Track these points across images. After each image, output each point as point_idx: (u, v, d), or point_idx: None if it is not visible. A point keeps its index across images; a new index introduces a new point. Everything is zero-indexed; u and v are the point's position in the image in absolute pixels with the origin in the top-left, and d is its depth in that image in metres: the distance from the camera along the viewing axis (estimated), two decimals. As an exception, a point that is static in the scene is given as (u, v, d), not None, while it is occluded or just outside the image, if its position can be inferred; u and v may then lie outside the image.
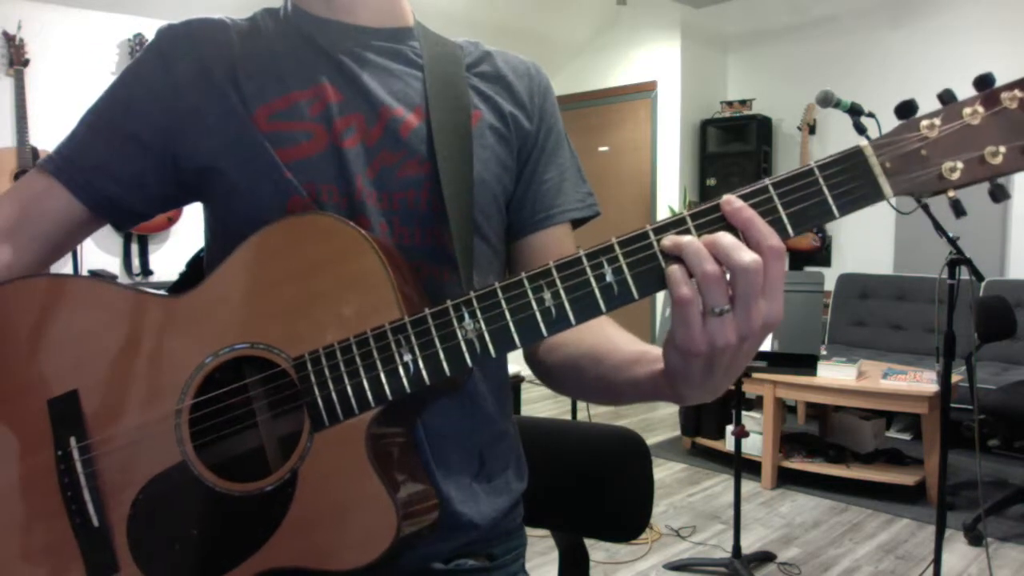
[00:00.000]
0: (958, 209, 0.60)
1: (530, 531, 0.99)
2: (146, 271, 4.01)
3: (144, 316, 0.74)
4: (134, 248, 4.01)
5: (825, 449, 3.57)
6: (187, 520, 0.71)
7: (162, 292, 0.77)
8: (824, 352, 3.73)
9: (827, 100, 2.11)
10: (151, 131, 0.81)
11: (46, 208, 0.81)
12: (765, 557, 2.81)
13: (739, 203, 0.58)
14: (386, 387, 0.66)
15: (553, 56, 5.70)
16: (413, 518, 0.69)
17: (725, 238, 0.57)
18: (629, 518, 1.05)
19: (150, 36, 0.86)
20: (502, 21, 4.99)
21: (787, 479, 3.53)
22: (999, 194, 0.59)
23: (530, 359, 0.88)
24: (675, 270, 0.57)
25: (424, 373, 0.65)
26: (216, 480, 0.70)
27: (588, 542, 1.12)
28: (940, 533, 2.18)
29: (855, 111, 2.12)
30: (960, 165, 0.57)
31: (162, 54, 0.82)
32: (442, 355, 0.64)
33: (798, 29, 5.20)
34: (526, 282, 0.62)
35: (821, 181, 0.59)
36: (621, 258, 0.60)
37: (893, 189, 0.58)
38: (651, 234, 0.60)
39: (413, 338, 0.65)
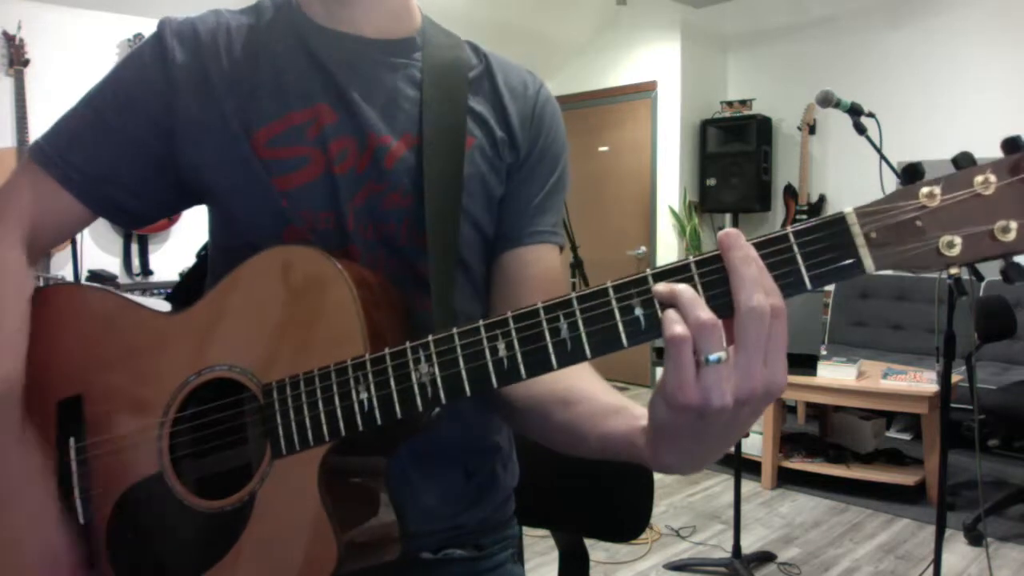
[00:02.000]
0: (959, 288, 0.55)
1: (530, 531, 0.99)
2: (146, 271, 4.01)
3: (145, 330, 0.77)
4: (134, 248, 4.00)
5: (825, 449, 3.58)
6: (157, 528, 0.74)
7: (163, 307, 0.80)
8: (824, 352, 3.73)
9: (827, 100, 2.11)
10: (156, 136, 0.80)
11: (58, 217, 0.81)
12: (765, 557, 2.81)
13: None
14: (340, 422, 0.66)
15: (553, 56, 5.70)
16: (365, 553, 0.70)
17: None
18: (629, 518, 1.05)
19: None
20: (502, 21, 4.99)
21: (787, 479, 3.53)
22: (1012, 274, 0.52)
23: (493, 394, 0.80)
24: (671, 311, 0.53)
25: (377, 412, 0.64)
26: (185, 493, 0.72)
27: (588, 542, 1.12)
28: (940, 533, 2.18)
29: (855, 111, 2.12)
30: (959, 240, 0.51)
31: (164, 54, 0.80)
32: (395, 396, 0.63)
33: (798, 29, 5.20)
34: (482, 330, 0.61)
35: (795, 248, 0.54)
36: (578, 314, 0.57)
37: (876, 263, 0.52)
38: (611, 291, 0.57)
39: (371, 376, 0.65)
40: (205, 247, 0.91)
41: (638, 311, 0.56)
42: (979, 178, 0.51)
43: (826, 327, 4.70)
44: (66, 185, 0.80)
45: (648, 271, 0.56)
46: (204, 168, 0.79)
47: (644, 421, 0.61)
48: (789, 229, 0.54)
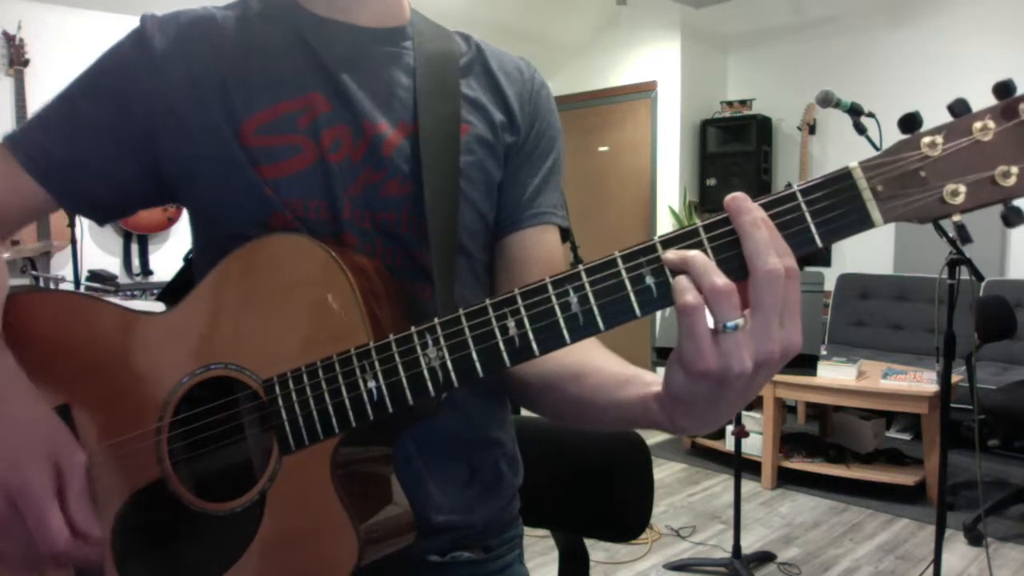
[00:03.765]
0: (963, 235, 0.55)
1: (530, 531, 0.99)
2: (146, 271, 4.02)
3: (130, 334, 0.75)
4: (134, 248, 4.01)
5: (825, 449, 3.58)
6: (165, 536, 0.72)
7: (150, 308, 0.78)
8: (824, 352, 3.74)
9: (827, 100, 2.11)
10: (133, 127, 0.78)
11: (17, 201, 0.79)
12: (765, 557, 2.81)
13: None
14: (350, 414, 0.65)
15: (553, 56, 5.70)
16: (382, 543, 0.69)
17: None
18: (629, 518, 1.05)
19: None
20: (502, 21, 4.99)
21: (787, 479, 3.53)
22: (1013, 218, 0.53)
23: (505, 374, 0.81)
24: (682, 278, 0.52)
25: (387, 400, 0.63)
26: (191, 498, 0.71)
27: (588, 542, 1.12)
28: (940, 533, 2.18)
29: (855, 111, 2.12)
30: (963, 188, 0.52)
31: (145, 44, 0.78)
32: (405, 383, 0.62)
33: (798, 29, 5.20)
34: (490, 309, 0.59)
35: (803, 207, 0.54)
36: (587, 286, 0.56)
37: (884, 216, 0.53)
38: (619, 261, 0.56)
39: (377, 364, 0.63)
40: (193, 246, 0.89)
41: (649, 279, 0.55)
42: (977, 124, 0.52)
43: (826, 327, 4.70)
44: (27, 168, 0.78)
45: (656, 239, 0.55)
46: (186, 158, 0.77)
47: (657, 388, 0.62)
48: (796, 187, 0.54)
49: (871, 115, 2.12)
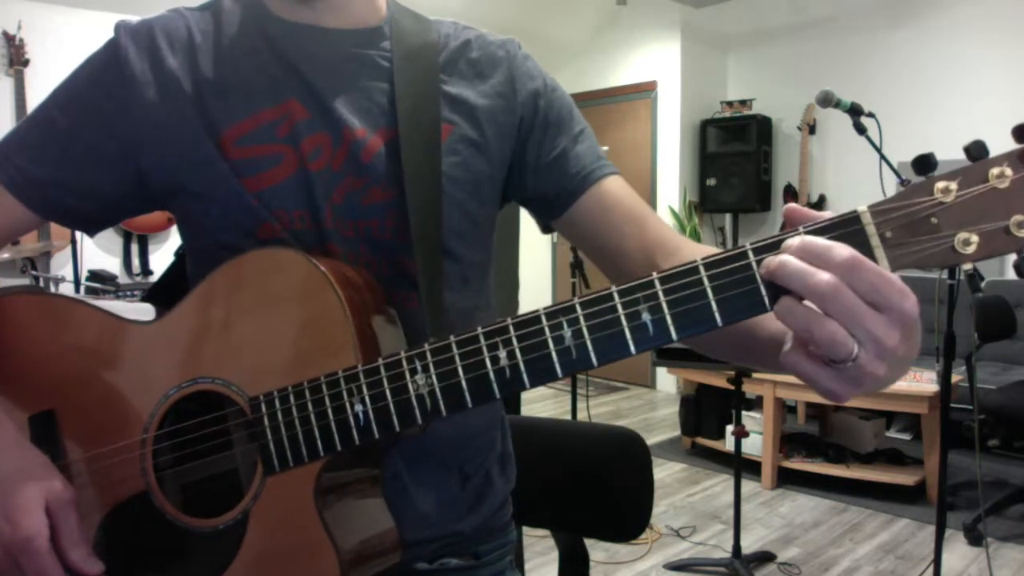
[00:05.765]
0: (973, 285, 0.53)
1: (530, 531, 0.99)
2: (146, 271, 4.02)
3: (118, 342, 0.74)
4: (134, 248, 4.01)
5: (825, 449, 3.58)
6: (146, 549, 0.71)
7: (136, 309, 0.77)
8: (824, 352, 3.72)
9: (827, 100, 2.11)
10: (111, 143, 0.77)
11: (1, 218, 0.78)
12: (765, 557, 2.81)
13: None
14: (335, 437, 0.64)
15: (553, 56, 5.70)
16: (366, 564, 0.69)
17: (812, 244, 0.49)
18: (629, 518, 1.05)
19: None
20: (501, 21, 4.99)
21: (787, 479, 3.53)
22: None
23: None
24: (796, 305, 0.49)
25: (374, 426, 0.62)
26: (175, 513, 0.70)
27: (588, 542, 1.12)
28: (940, 533, 2.18)
29: (855, 111, 2.12)
30: (975, 239, 0.49)
31: (119, 56, 0.77)
32: (393, 409, 0.62)
33: (798, 29, 5.20)
34: (482, 338, 0.58)
35: None
36: (582, 320, 0.55)
37: (892, 264, 0.50)
38: (615, 295, 0.54)
39: (365, 388, 0.62)
40: (183, 247, 0.89)
41: (645, 316, 0.54)
42: (994, 171, 0.49)
43: (826, 327, 4.69)
44: (7, 185, 0.77)
45: (655, 275, 0.54)
46: (170, 170, 0.76)
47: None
48: (802, 228, 0.52)
49: (871, 115, 2.12)
